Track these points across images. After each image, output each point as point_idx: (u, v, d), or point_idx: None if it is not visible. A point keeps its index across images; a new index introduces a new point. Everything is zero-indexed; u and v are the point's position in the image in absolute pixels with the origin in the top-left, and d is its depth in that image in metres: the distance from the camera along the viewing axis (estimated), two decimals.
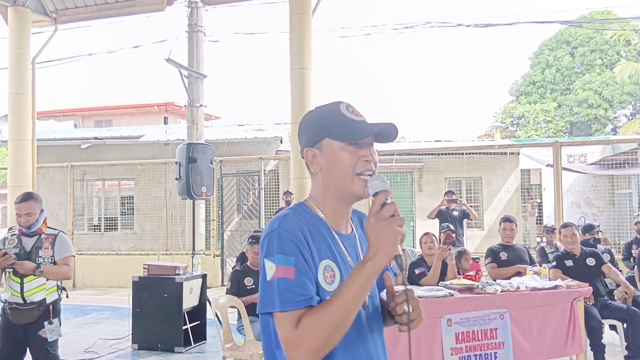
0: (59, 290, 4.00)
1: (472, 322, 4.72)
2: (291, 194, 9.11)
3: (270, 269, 1.26)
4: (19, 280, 3.79)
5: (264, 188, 11.65)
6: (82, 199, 13.31)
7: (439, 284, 5.01)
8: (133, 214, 13.35)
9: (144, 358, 5.87)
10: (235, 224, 12.55)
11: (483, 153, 12.14)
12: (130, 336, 6.21)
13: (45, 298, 3.86)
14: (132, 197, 13.41)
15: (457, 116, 55.94)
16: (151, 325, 6.09)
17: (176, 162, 6.76)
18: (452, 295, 4.67)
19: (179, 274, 6.14)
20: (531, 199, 14.75)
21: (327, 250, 1.36)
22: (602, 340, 5.36)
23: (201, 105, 11.32)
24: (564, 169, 10.41)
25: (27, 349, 3.92)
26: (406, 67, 64.98)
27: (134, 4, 11.72)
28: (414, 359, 4.54)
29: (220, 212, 11.38)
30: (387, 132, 1.41)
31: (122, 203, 13.59)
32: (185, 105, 11.60)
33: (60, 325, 3.95)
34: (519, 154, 12.61)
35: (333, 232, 1.41)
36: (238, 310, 4.74)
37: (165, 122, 11.39)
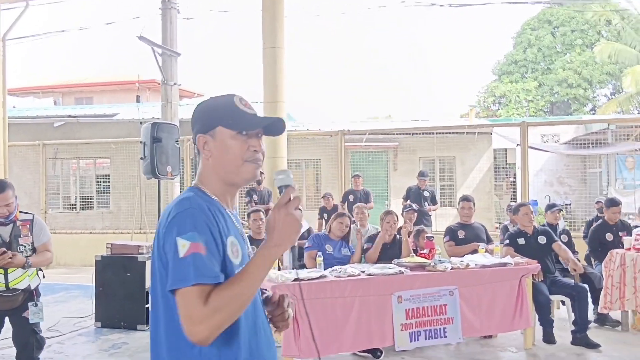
0: (39, 273, 4.00)
1: (422, 298, 4.86)
2: (262, 173, 9.16)
3: (183, 246, 1.32)
4: (2, 271, 3.70)
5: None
6: (56, 177, 13.27)
7: (393, 262, 5.13)
8: (109, 193, 13.35)
9: (106, 336, 5.95)
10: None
11: (456, 133, 12.25)
12: (94, 315, 6.29)
13: (29, 284, 3.86)
14: (108, 176, 13.40)
15: (440, 97, 55.98)
16: (114, 304, 6.17)
17: (141, 142, 6.76)
18: (402, 272, 4.79)
19: (142, 253, 6.21)
20: (507, 177, 14.96)
21: (227, 228, 1.46)
22: (553, 317, 5.54)
23: (175, 84, 11.26)
24: (532, 148, 10.56)
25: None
26: (383, 48, 64.69)
27: None
28: (364, 334, 4.68)
29: None
30: (275, 126, 1.56)
31: (97, 182, 13.56)
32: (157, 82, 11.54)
33: (42, 308, 3.95)
34: (491, 134, 12.74)
35: (227, 211, 1.53)
36: None
37: (138, 101, 11.34)
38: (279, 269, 4.84)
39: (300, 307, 4.50)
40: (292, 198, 1.41)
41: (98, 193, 13.51)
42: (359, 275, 4.73)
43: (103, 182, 13.60)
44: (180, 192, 11.42)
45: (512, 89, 27.06)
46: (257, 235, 5.73)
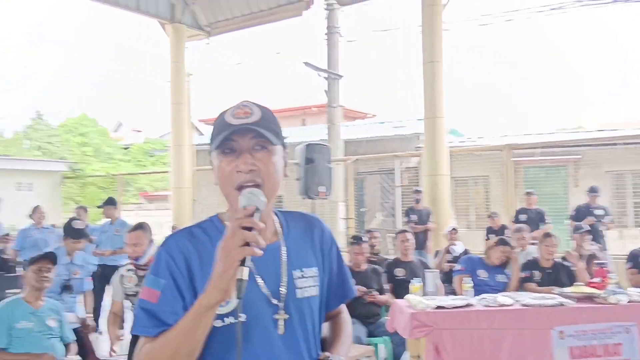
0: None
1: (591, 335, 4.19)
2: (420, 192, 8.86)
3: (142, 289, 1.24)
4: None
5: (404, 186, 11.50)
6: None
7: (555, 291, 4.52)
8: None
9: None
10: (378, 222, 12.57)
11: None
12: None
13: None
14: (281, 196, 14.07)
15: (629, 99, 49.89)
16: None
17: (295, 163, 6.94)
18: (563, 304, 4.18)
19: None
20: None
21: None
22: None
23: (338, 106, 11.50)
24: None
25: None
26: (555, 51, 59.38)
27: (275, 11, 12.30)
28: None
29: (357, 210, 11.45)
30: (258, 133, 1.23)
31: None
32: (325, 106, 11.87)
33: None
34: None
35: None
36: None
37: (304, 124, 11.79)
38: (422, 293, 4.53)
39: (443, 337, 4.18)
40: (234, 230, 1.08)
41: None
42: (511, 305, 4.24)
43: (277, 202, 14.29)
44: (347, 212, 11.63)
45: None
46: (404, 257, 5.48)
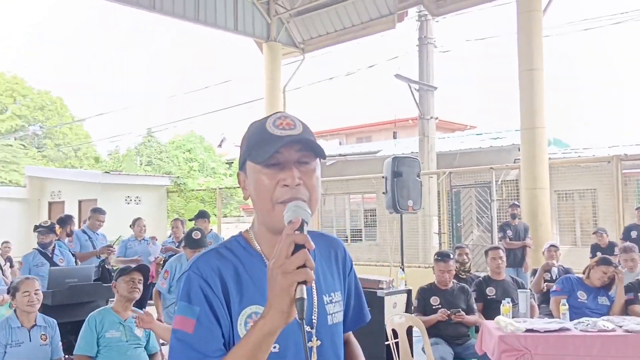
0: None
1: None
2: (518, 206, 8.41)
3: (175, 318, 1.15)
4: None
5: (503, 199, 11.00)
6: (330, 211, 14.37)
7: None
8: (376, 226, 13.88)
9: None
10: (475, 238, 12.10)
11: None
12: None
13: None
14: (375, 210, 13.96)
15: None
16: (358, 338, 6.23)
17: (382, 177, 6.85)
18: None
19: (382, 288, 6.17)
20: None
21: (258, 293, 1.17)
22: None
23: (431, 118, 11.26)
24: None
25: None
26: None
27: (368, 25, 12.34)
28: None
29: (451, 225, 11.09)
30: (308, 146, 1.16)
31: (365, 215, 14.25)
32: (417, 118, 11.68)
33: None
34: None
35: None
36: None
37: (394, 137, 11.65)
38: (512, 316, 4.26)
39: None
40: (289, 250, 0.99)
41: (366, 226, 14.18)
42: (613, 330, 3.88)
43: (370, 215, 14.24)
44: (439, 227, 11.32)
45: None
46: (496, 276, 5.19)
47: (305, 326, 1.05)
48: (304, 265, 0.98)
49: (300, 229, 1.04)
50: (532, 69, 8.81)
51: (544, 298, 5.83)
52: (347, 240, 14.32)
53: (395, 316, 4.58)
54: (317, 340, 1.22)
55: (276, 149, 1.14)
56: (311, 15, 12.74)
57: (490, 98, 58.77)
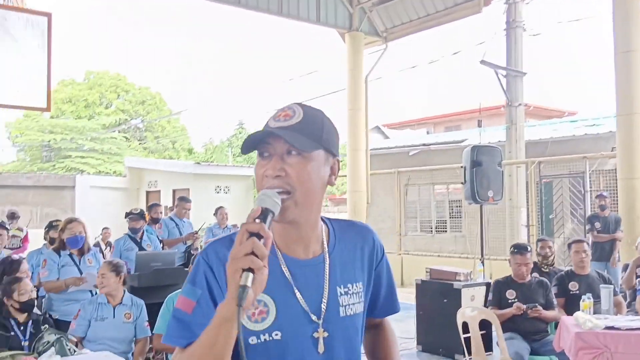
0: None
1: None
2: (605, 197, 7.90)
3: (178, 297, 1.20)
4: None
5: (600, 190, 10.37)
6: (414, 202, 14.18)
7: None
8: (461, 217, 13.56)
9: None
10: (568, 230, 11.52)
11: None
12: (415, 337, 6.43)
13: None
14: (460, 201, 13.63)
15: None
16: (433, 329, 6.16)
17: (461, 167, 6.68)
18: None
19: (459, 280, 6.06)
20: None
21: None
22: None
23: (520, 105, 10.80)
24: None
25: None
26: None
27: (452, 10, 12.00)
28: None
29: (540, 217, 10.62)
30: (290, 138, 1.16)
31: (450, 206, 13.94)
32: (505, 105, 11.24)
33: None
34: None
35: (280, 258, 1.22)
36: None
37: (479, 125, 11.26)
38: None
39: None
40: (244, 238, 1.00)
41: (451, 217, 13.87)
42: None
43: (456, 206, 13.91)
44: (527, 219, 10.87)
45: None
46: (579, 270, 4.93)
47: (312, 317, 1.10)
48: (250, 253, 0.99)
49: (262, 217, 1.05)
50: (629, 50, 8.21)
51: (635, 295, 5.46)
52: (431, 231, 14.10)
53: (467, 309, 4.48)
54: (323, 331, 1.22)
55: (260, 139, 1.18)
56: (394, 3, 12.56)
57: (586, 83, 55.32)
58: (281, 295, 1.19)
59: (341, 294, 1.26)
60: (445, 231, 13.91)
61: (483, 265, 6.43)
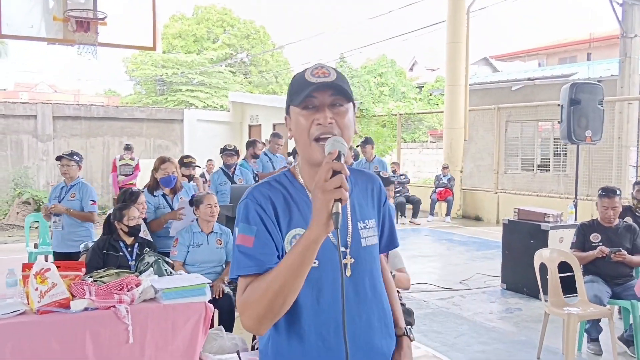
0: None
1: None
2: None
3: (236, 237, 1.37)
4: None
5: None
6: (516, 139, 13.66)
7: None
8: (566, 156, 12.93)
9: (507, 298, 6.04)
10: None
11: None
12: (500, 276, 6.46)
13: None
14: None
15: None
16: (518, 269, 6.16)
17: (558, 105, 6.39)
18: None
19: (547, 221, 5.95)
20: None
21: (301, 218, 1.39)
22: None
23: (635, 36, 9.93)
24: None
25: None
26: None
27: None
28: None
29: None
30: (339, 90, 1.36)
31: (555, 144, 13.30)
32: (618, 36, 10.37)
33: None
34: None
35: (310, 198, 1.37)
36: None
37: (588, 59, 10.45)
38: None
39: None
40: (328, 175, 1.16)
41: (555, 156, 13.27)
42: None
43: (562, 145, 13.25)
44: (637, 159, 10.19)
45: None
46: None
47: (339, 241, 1.21)
48: (339, 187, 1.16)
49: (338, 158, 1.22)
50: None
51: None
52: (533, 170, 13.60)
53: (545, 250, 4.44)
54: (351, 258, 1.43)
55: (309, 92, 1.35)
56: None
57: None
58: None
59: (361, 228, 1.47)
60: (548, 170, 13.36)
61: (575, 207, 6.24)
